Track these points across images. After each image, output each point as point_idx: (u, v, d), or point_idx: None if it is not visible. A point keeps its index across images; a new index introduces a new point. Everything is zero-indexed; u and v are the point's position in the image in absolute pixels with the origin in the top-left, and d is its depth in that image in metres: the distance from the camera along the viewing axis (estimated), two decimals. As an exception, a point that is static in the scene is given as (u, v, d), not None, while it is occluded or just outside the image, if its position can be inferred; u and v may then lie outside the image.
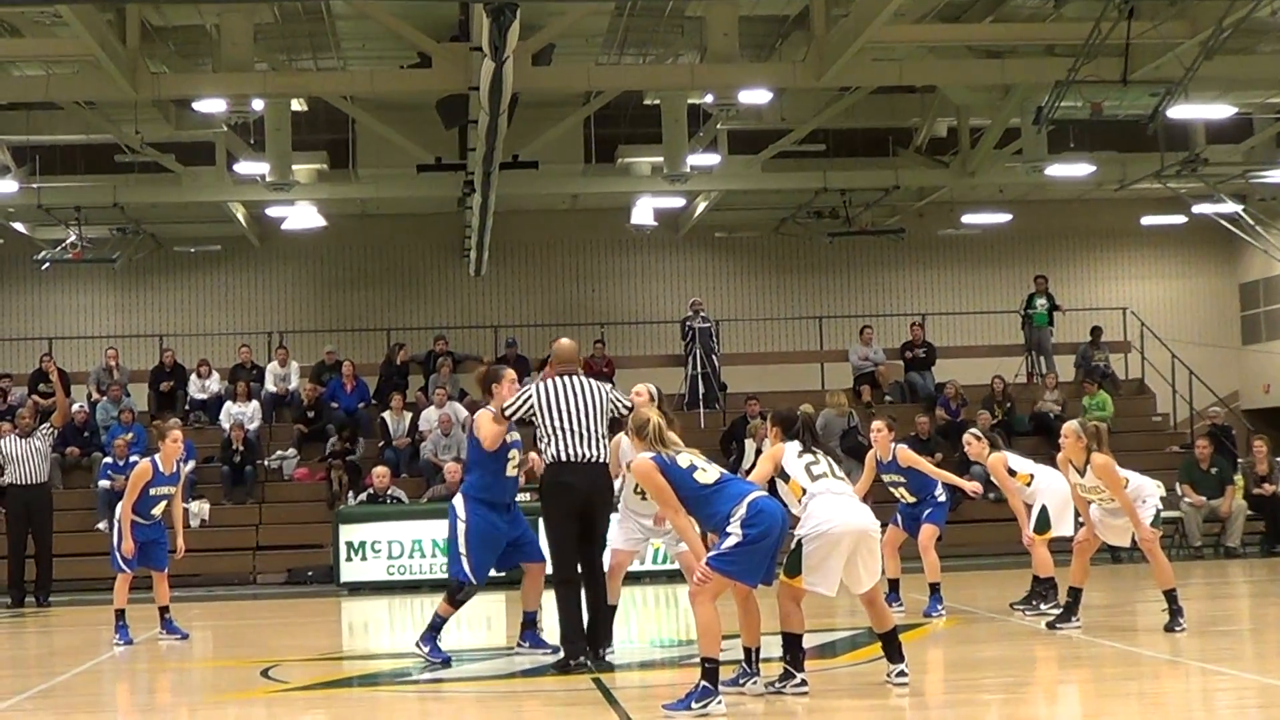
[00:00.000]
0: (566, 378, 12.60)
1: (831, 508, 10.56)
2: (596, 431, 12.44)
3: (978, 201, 37.15)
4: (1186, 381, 32.42)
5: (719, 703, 9.83)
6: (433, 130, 27.73)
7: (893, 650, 10.93)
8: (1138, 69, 26.54)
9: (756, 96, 27.11)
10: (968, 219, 37.82)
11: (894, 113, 34.08)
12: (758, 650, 10.81)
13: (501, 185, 27.99)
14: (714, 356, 29.98)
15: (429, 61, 24.77)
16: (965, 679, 11.90)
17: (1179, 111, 28.90)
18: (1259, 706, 10.30)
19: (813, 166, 34.23)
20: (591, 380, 12.78)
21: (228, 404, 29.15)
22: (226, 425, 28.37)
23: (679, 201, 34.40)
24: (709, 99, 29.64)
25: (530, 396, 12.40)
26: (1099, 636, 13.89)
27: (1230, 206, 35.63)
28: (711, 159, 32.14)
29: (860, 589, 10.75)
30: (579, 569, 12.48)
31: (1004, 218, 37.80)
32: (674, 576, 20.73)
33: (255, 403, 29.27)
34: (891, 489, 16.38)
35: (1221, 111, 30.64)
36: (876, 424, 16.23)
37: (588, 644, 12.46)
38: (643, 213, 34.01)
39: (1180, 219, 38.07)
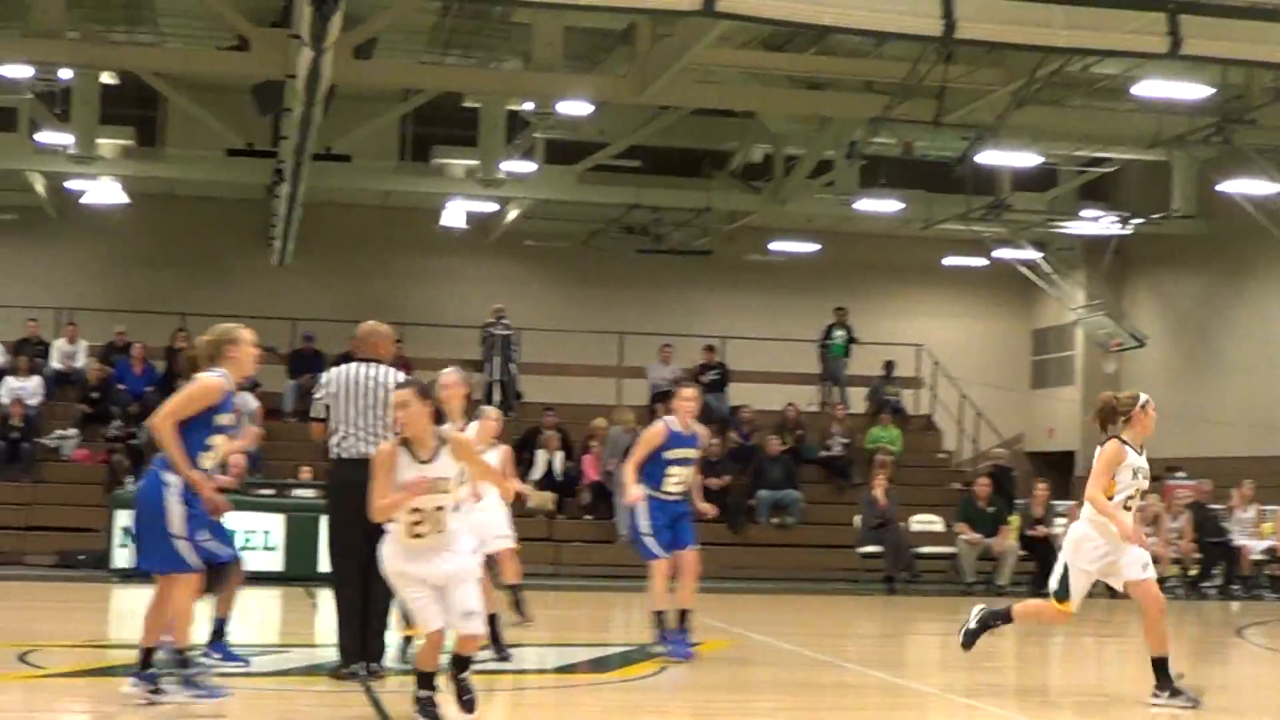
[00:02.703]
0: (364, 365, 11.90)
1: None
2: (379, 426, 11.66)
3: (787, 229, 37.54)
4: (974, 421, 33.02)
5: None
6: (245, 115, 27.33)
7: None
8: (951, 112, 27.04)
9: (576, 108, 27.15)
10: (776, 246, 38.20)
11: (711, 135, 34.36)
12: None
13: (312, 176, 27.72)
14: (512, 364, 29.92)
15: (247, 45, 24.42)
16: (734, 701, 11.99)
17: (987, 157, 29.54)
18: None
19: (627, 182, 34.36)
20: (385, 370, 11.92)
21: (8, 379, 28.41)
22: (6, 400, 27.67)
23: (491, 206, 34.32)
24: (529, 106, 29.65)
25: (326, 384, 11.85)
26: (870, 667, 14.06)
27: (1030, 253, 36.44)
28: (527, 166, 32.14)
29: None
30: (357, 574, 11.46)
31: (811, 247, 38.23)
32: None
33: (38, 378, 28.58)
34: (676, 467, 13.85)
35: (1028, 160, 31.33)
36: (688, 391, 14.14)
37: (364, 654, 11.70)
38: (454, 215, 33.89)
39: (981, 262, 38.80)
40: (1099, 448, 11.59)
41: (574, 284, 37.64)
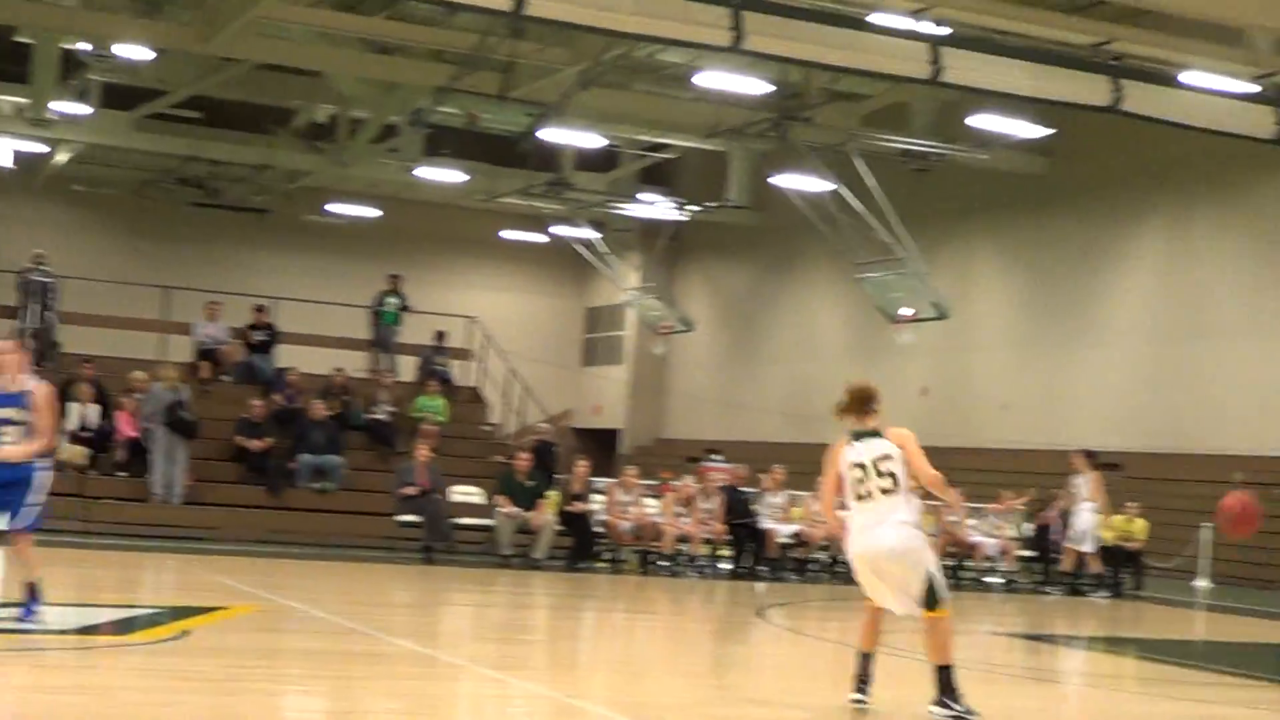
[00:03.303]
0: None
1: None
2: None
3: (347, 193, 37.24)
4: (523, 395, 33.32)
5: None
6: None
7: None
8: (517, 87, 27.22)
9: (136, 52, 26.27)
10: (335, 208, 37.82)
11: (276, 91, 33.76)
12: None
13: None
14: (50, 313, 28.71)
15: None
16: (261, 666, 11.77)
17: (551, 134, 29.81)
18: (528, 714, 10.62)
19: (186, 133, 33.50)
20: None
21: None
22: None
23: (41, 148, 32.98)
24: (86, 47, 28.55)
25: None
26: (402, 638, 14.01)
27: (587, 233, 37.00)
28: (81, 109, 30.96)
29: None
30: None
31: (372, 212, 38.00)
32: None
33: None
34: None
35: (591, 141, 31.75)
36: (4, 344, 12.62)
37: None
38: (1, 153, 32.45)
39: (540, 238, 39.23)
40: (903, 432, 10.79)
41: (122, 233, 36.52)
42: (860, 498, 10.53)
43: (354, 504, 25.03)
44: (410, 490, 23.40)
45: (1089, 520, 24.62)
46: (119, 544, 21.70)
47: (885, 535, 10.38)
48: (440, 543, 23.16)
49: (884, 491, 10.46)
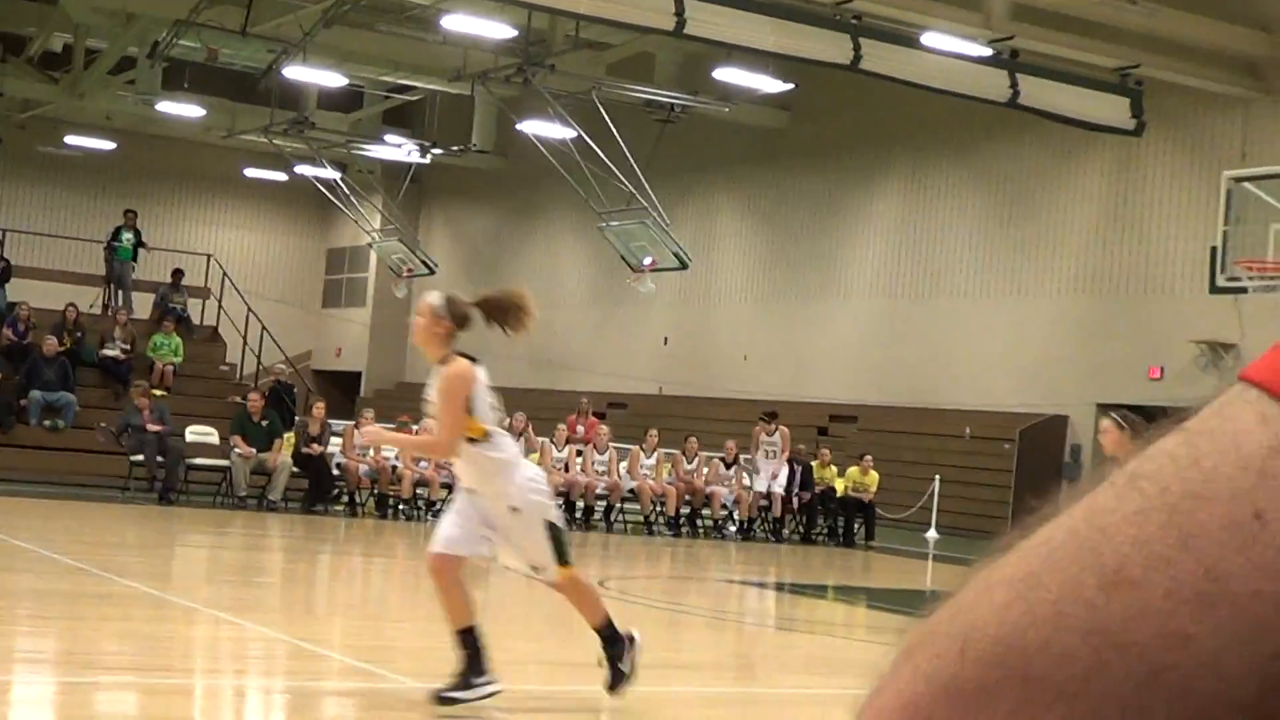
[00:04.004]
0: None
1: None
2: None
3: (83, 125, 36.31)
4: (261, 336, 32.92)
5: None
6: None
7: None
8: (259, 23, 26.80)
9: None
10: (71, 140, 36.88)
11: (9, 18, 32.76)
12: None
13: None
14: None
15: None
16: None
17: (293, 72, 29.43)
18: (264, 658, 10.59)
19: (-88, 57, 32.35)
20: None
21: None
22: None
23: None
24: None
25: None
26: (134, 580, 13.80)
27: (330, 173, 36.61)
28: None
29: None
30: None
31: (108, 145, 37.13)
32: None
33: None
34: None
35: (334, 80, 31.43)
36: None
37: None
38: None
39: (281, 177, 38.71)
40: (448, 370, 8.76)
41: None
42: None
43: (86, 442, 24.52)
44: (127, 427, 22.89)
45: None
46: None
47: None
48: (171, 484, 22.77)
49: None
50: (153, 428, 22.83)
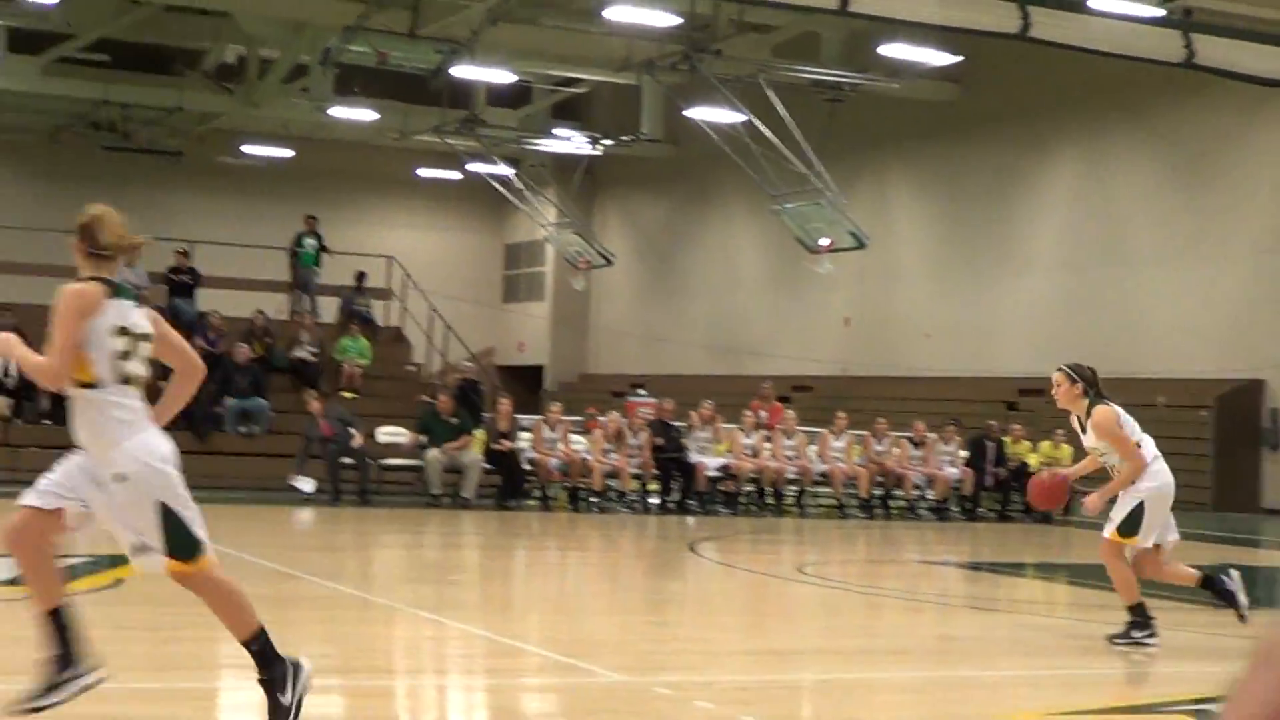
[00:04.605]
0: None
1: None
2: None
3: (261, 133, 36.93)
4: (444, 334, 33.26)
5: None
6: None
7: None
8: (427, 25, 27.03)
9: (42, -5, 25.96)
10: (249, 149, 37.52)
11: (185, 33, 33.38)
12: None
13: None
14: (-32, 262, 28.44)
15: None
16: (195, 614, 11.70)
17: (463, 71, 29.66)
18: (465, 656, 10.65)
19: (96, 76, 33.10)
20: None
21: None
22: None
23: (-53, 94, 32.52)
24: (-10, -9, 28.16)
25: None
26: (338, 581, 13.98)
27: (502, 169, 36.84)
28: (-12, 55, 30.57)
29: None
30: None
31: (285, 153, 37.71)
32: None
33: None
34: None
35: (502, 77, 31.62)
36: None
37: None
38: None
39: (455, 175, 39.03)
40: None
41: (39, 179, 36.10)
42: None
43: (280, 446, 24.91)
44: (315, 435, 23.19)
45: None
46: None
47: None
48: (365, 485, 23.05)
49: None
50: (328, 432, 23.12)
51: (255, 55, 33.81)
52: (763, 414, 26.37)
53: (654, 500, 24.43)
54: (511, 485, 23.57)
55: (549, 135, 36.72)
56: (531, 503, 23.79)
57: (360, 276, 31.44)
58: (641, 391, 30.39)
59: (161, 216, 36.09)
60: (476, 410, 25.42)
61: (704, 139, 31.79)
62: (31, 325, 25.30)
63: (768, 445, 24.84)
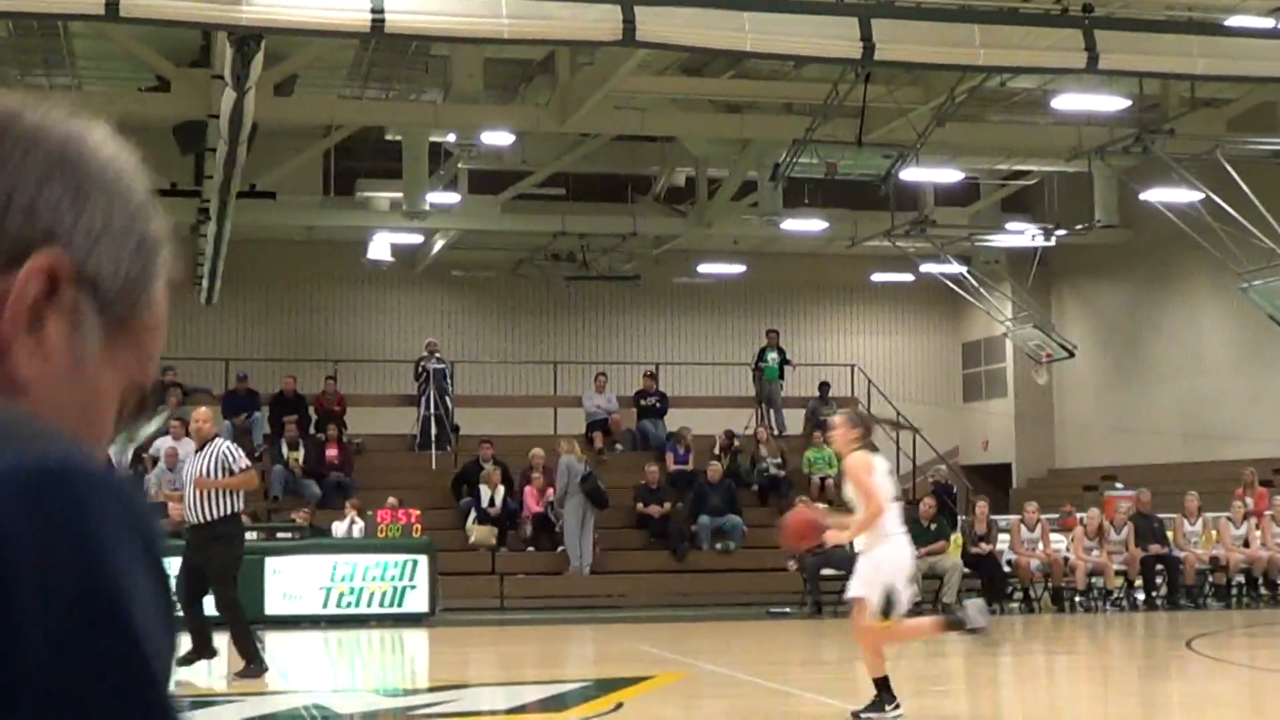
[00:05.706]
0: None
1: None
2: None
3: (713, 251, 37.56)
4: (910, 437, 33.09)
5: None
6: (168, 155, 27.06)
7: None
8: (872, 131, 27.13)
9: (498, 138, 27.07)
10: (703, 268, 38.22)
11: (634, 160, 34.34)
12: None
13: (237, 214, 27.46)
14: (448, 398, 29.72)
15: (168, 86, 24.21)
16: None
17: (910, 174, 29.64)
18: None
19: (552, 210, 34.29)
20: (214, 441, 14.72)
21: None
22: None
23: (417, 238, 34.15)
24: (451, 137, 29.51)
25: None
26: (825, 695, 13.93)
27: (955, 267, 36.58)
28: (451, 197, 32.00)
29: None
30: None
31: (738, 269, 38.27)
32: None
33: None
34: None
35: (950, 175, 31.49)
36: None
37: None
38: (379, 248, 33.64)
39: (908, 278, 38.94)
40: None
41: (504, 313, 37.50)
42: None
43: (755, 561, 25.15)
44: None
45: None
46: (531, 618, 22.20)
47: None
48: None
49: None
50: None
51: (703, 176, 34.50)
52: (1248, 500, 25.35)
53: (1139, 596, 23.69)
54: (993, 588, 23.20)
55: (1001, 230, 36.31)
56: (1014, 605, 23.35)
57: (823, 387, 31.60)
58: (1119, 485, 29.58)
59: (624, 340, 37.10)
60: (952, 513, 25.18)
61: (1160, 220, 30.95)
62: (509, 456, 26.36)
63: (1257, 533, 23.85)
